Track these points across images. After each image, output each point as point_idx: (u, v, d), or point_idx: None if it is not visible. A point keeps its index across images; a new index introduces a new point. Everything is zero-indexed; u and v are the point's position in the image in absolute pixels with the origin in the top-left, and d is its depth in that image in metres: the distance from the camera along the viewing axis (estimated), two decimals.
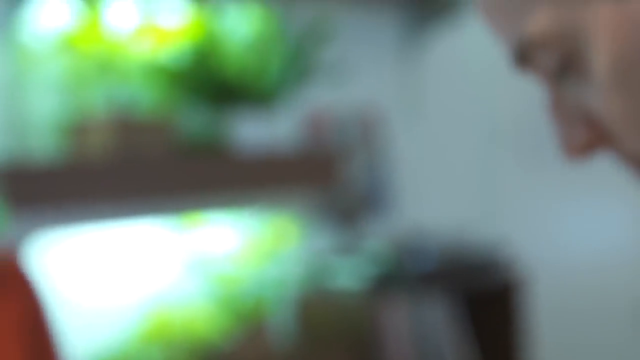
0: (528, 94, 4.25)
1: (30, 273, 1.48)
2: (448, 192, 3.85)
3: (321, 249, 3.37)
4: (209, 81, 2.81)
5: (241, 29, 2.92)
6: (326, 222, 3.37)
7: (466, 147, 3.97)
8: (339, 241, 3.41)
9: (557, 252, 4.15)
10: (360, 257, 3.25)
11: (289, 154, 2.98)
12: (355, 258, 3.25)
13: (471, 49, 3.93)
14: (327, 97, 3.32)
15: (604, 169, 4.60)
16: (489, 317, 3.48)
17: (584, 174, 4.51)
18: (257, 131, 2.91)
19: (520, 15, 0.79)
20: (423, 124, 3.76)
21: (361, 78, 3.42)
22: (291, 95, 2.99)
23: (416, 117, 3.73)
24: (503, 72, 4.11)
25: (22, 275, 1.48)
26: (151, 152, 2.43)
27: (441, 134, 3.84)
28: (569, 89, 0.80)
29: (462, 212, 3.85)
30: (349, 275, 3.17)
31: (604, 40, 0.73)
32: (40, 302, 1.49)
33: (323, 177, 3.03)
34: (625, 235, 4.72)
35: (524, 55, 0.80)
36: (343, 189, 3.17)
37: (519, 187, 4.18)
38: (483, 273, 3.43)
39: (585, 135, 0.80)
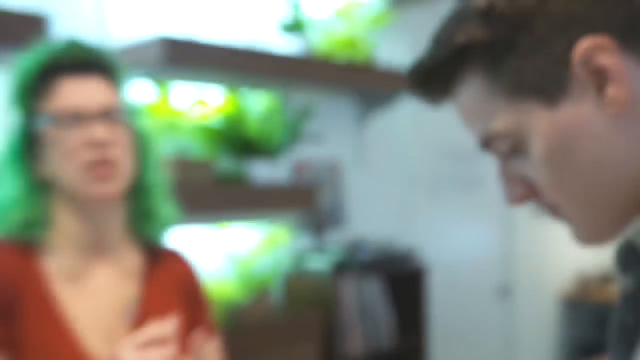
0: (434, 154, 4.26)
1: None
2: (381, 214, 3.86)
3: (302, 247, 3.36)
4: (237, 139, 2.82)
5: (257, 107, 2.93)
6: (305, 230, 3.38)
7: (393, 186, 3.96)
8: (313, 242, 3.41)
9: (446, 251, 4.19)
10: (326, 252, 3.26)
11: (284, 187, 2.98)
12: (323, 253, 3.27)
13: (399, 124, 3.93)
14: (308, 152, 3.33)
15: (475, 202, 4.63)
16: (405, 291, 3.49)
17: (464, 206, 4.52)
18: (265, 172, 2.94)
19: (487, 119, 0.77)
20: (367, 171, 3.76)
21: (330, 141, 3.42)
22: (286, 150, 3.00)
23: (362, 166, 3.74)
24: (419, 140, 4.11)
25: (182, 252, 1.49)
26: (200, 182, 2.45)
27: (378, 177, 3.84)
28: (513, 163, 0.79)
29: (389, 227, 3.83)
30: (318, 263, 3.18)
31: (540, 136, 0.73)
32: (193, 268, 1.48)
33: (304, 202, 3.05)
34: (489, 241, 4.71)
35: (487, 142, 0.79)
36: (316, 210, 3.20)
37: (425, 212, 4.18)
38: (402, 264, 3.45)
39: (521, 191, 0.80)
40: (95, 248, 1.32)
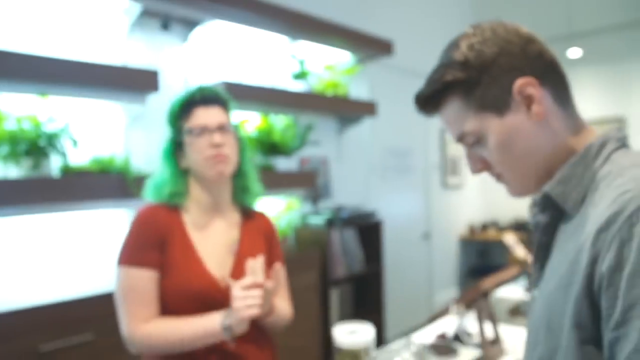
0: (384, 152, 4.24)
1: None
2: (353, 190, 3.82)
3: (306, 210, 3.34)
4: (267, 144, 2.80)
5: (279, 124, 2.93)
6: (308, 200, 3.36)
7: (360, 172, 3.93)
8: (312, 208, 3.38)
9: (392, 212, 4.12)
10: (320, 214, 3.22)
11: (295, 173, 2.95)
12: (319, 214, 3.22)
13: (362, 134, 3.90)
14: (309, 152, 3.32)
15: (408, 182, 4.63)
16: (369, 236, 3.46)
17: (402, 184, 4.48)
18: (284, 164, 2.95)
19: (461, 124, 0.81)
20: (343, 162, 3.74)
21: (322, 145, 3.39)
22: (297, 151, 2.98)
23: (341, 161, 3.71)
24: (374, 144, 4.08)
25: (265, 214, 1.48)
26: None
27: (350, 167, 3.81)
28: (476, 149, 0.82)
29: (359, 197, 3.82)
30: (316, 220, 3.15)
31: (494, 134, 0.79)
32: (271, 222, 1.47)
33: (308, 183, 3.01)
34: (416, 205, 4.69)
35: (461, 137, 0.82)
36: (314, 188, 3.19)
37: (379, 188, 4.14)
38: (367, 219, 3.40)
39: (480, 165, 0.83)
40: (213, 209, 1.34)
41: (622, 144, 0.77)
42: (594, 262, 0.64)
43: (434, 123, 4.92)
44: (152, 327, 1.20)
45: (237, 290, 1.18)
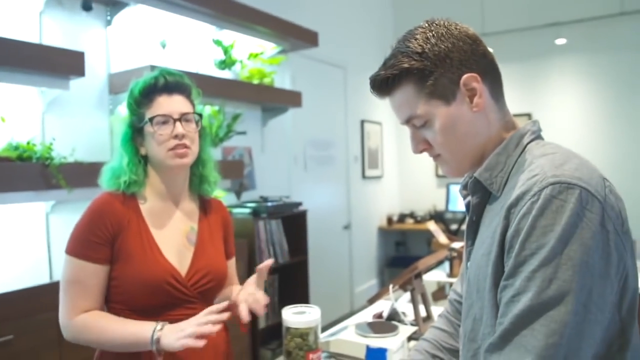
0: (305, 144, 4.31)
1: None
2: (276, 181, 3.87)
3: (231, 201, 3.35)
4: None
5: (205, 113, 2.91)
6: (232, 191, 3.38)
7: (282, 164, 3.99)
8: (237, 197, 3.41)
9: (315, 202, 4.17)
10: (245, 205, 3.25)
11: (222, 163, 2.98)
12: (244, 205, 3.25)
13: (285, 125, 3.95)
14: (233, 142, 3.32)
15: (329, 173, 4.74)
16: (293, 227, 3.52)
17: (323, 175, 4.58)
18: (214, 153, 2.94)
19: (411, 108, 0.90)
20: (266, 153, 3.77)
21: (248, 134, 3.39)
22: (224, 141, 2.99)
23: (264, 150, 3.76)
24: (297, 135, 4.14)
25: (221, 202, 1.49)
26: None
27: (273, 158, 3.86)
28: (422, 131, 0.92)
29: (282, 189, 3.88)
30: (243, 211, 3.18)
31: (440, 119, 0.89)
32: (228, 211, 1.49)
33: (234, 173, 3.05)
34: (338, 197, 4.80)
35: (409, 119, 0.92)
36: (241, 178, 3.23)
37: (302, 179, 4.21)
38: (291, 210, 3.46)
39: (422, 146, 0.94)
40: (171, 198, 1.34)
41: (537, 136, 0.91)
42: (504, 231, 0.80)
43: (355, 115, 5.09)
44: (88, 320, 1.21)
45: (202, 316, 1.17)
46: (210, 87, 2.83)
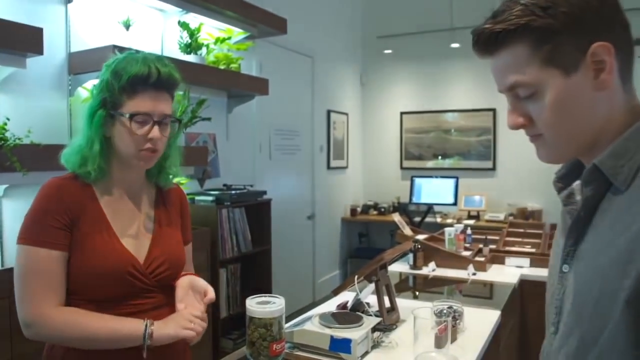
0: (271, 132, 4.30)
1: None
2: (240, 169, 3.86)
3: (194, 188, 3.34)
4: None
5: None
6: (195, 178, 3.35)
7: (247, 152, 3.98)
8: (200, 185, 3.38)
9: (280, 192, 4.14)
10: (209, 192, 3.25)
11: (186, 149, 2.95)
12: (207, 193, 3.25)
13: (250, 113, 3.93)
14: (197, 128, 3.23)
15: (295, 163, 4.75)
16: (257, 216, 3.52)
17: (288, 164, 4.59)
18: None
19: (520, 73, 0.76)
20: (231, 141, 3.75)
21: (213, 121, 3.31)
22: (188, 126, 2.93)
23: (229, 138, 3.73)
24: (262, 123, 4.12)
25: (179, 186, 1.46)
26: None
27: (237, 146, 3.84)
28: (525, 103, 0.77)
29: (246, 177, 3.86)
30: (206, 199, 3.18)
31: (554, 91, 0.74)
32: (185, 196, 1.46)
33: (198, 160, 3.03)
34: (302, 187, 4.82)
35: (512, 87, 0.77)
36: (205, 165, 3.20)
37: (267, 168, 4.20)
38: (255, 199, 3.48)
39: (522, 121, 0.78)
40: (128, 185, 1.30)
41: None
42: None
43: (321, 105, 5.09)
44: (68, 316, 1.16)
45: (197, 311, 1.24)
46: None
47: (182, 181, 3.06)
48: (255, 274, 3.55)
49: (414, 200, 5.35)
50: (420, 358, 1.44)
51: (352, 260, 5.71)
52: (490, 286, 2.42)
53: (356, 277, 1.62)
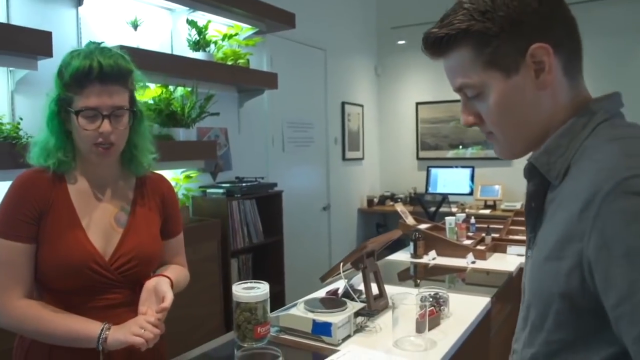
0: (282, 125, 4.35)
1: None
2: (253, 162, 3.92)
3: (206, 182, 3.42)
4: (165, 114, 2.83)
5: (179, 93, 2.98)
6: (208, 172, 3.44)
7: (259, 145, 4.03)
8: (213, 178, 3.48)
9: (292, 183, 4.24)
10: (220, 185, 3.32)
11: (196, 143, 3.03)
12: (219, 185, 3.32)
13: (262, 106, 4.00)
14: (209, 123, 3.32)
15: (308, 155, 4.83)
16: (268, 208, 3.59)
17: (301, 157, 4.64)
18: (184, 135, 3.02)
19: (465, 75, 0.80)
20: (243, 134, 3.82)
21: (222, 115, 3.39)
22: (197, 121, 3.00)
23: (241, 132, 3.80)
24: (274, 117, 4.18)
25: (162, 176, 1.47)
26: None
27: (249, 139, 3.91)
28: (474, 103, 0.83)
29: (258, 169, 3.92)
30: (217, 191, 3.26)
31: (496, 93, 0.79)
32: (170, 185, 1.49)
33: (208, 154, 3.09)
34: (317, 178, 4.88)
35: (461, 88, 0.82)
36: (215, 158, 3.29)
37: (279, 160, 4.26)
38: (266, 190, 3.54)
39: (473, 119, 0.84)
40: (100, 179, 1.31)
41: (613, 114, 0.78)
42: (580, 239, 0.67)
43: (335, 97, 5.15)
44: (29, 310, 1.20)
45: (151, 317, 1.22)
46: (183, 68, 2.87)
47: (192, 174, 3.19)
48: (268, 264, 3.64)
49: (430, 190, 5.38)
50: (398, 342, 1.52)
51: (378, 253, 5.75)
52: (486, 274, 2.46)
53: (341, 264, 1.71)
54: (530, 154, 0.84)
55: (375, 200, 5.79)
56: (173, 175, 3.09)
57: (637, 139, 0.72)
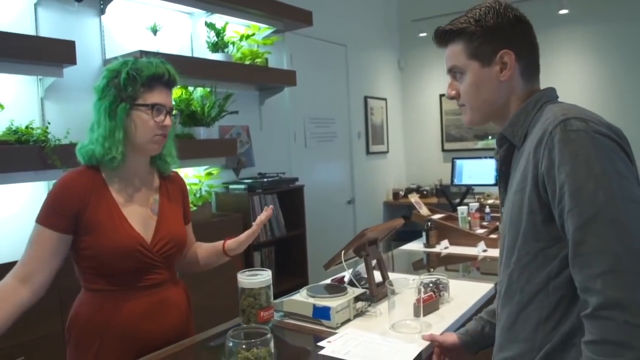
0: (304, 121, 4.43)
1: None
2: (275, 158, 4.02)
3: (229, 178, 3.53)
4: (186, 114, 2.96)
5: (198, 92, 3.12)
6: (230, 168, 3.55)
7: (281, 141, 4.13)
8: (235, 174, 3.58)
9: (314, 178, 4.32)
10: (242, 181, 3.41)
11: (217, 141, 3.14)
12: (241, 181, 3.42)
13: (283, 103, 4.08)
14: (230, 121, 3.45)
15: (331, 150, 4.90)
16: (291, 202, 3.68)
17: (324, 152, 4.72)
18: (205, 133, 3.13)
19: (455, 60, 1.13)
20: (264, 131, 3.92)
21: (243, 113, 3.52)
22: (217, 120, 3.13)
23: (262, 129, 3.90)
24: (295, 113, 4.27)
25: (177, 173, 1.68)
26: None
27: (271, 136, 4.00)
28: (458, 80, 1.15)
29: (280, 165, 4.01)
30: (239, 187, 3.35)
31: (472, 75, 1.12)
32: (184, 181, 1.71)
33: (229, 151, 3.21)
34: (340, 172, 4.94)
35: (451, 69, 1.15)
36: (236, 155, 3.42)
37: (301, 156, 4.34)
38: (288, 185, 3.63)
39: (454, 93, 1.17)
40: (135, 173, 1.50)
41: (551, 98, 1.09)
42: (536, 167, 0.97)
43: (358, 92, 5.22)
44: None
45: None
46: (202, 69, 2.99)
47: (214, 171, 3.32)
48: (291, 256, 3.74)
49: (456, 182, 5.37)
50: (395, 325, 1.60)
51: (394, 242, 5.80)
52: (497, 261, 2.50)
53: (342, 252, 1.80)
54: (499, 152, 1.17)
55: (401, 193, 5.83)
56: (195, 173, 3.23)
57: (569, 104, 1.03)
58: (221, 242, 1.69)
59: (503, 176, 1.15)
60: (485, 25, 1.09)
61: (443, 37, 1.15)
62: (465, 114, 1.17)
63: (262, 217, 1.65)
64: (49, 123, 2.34)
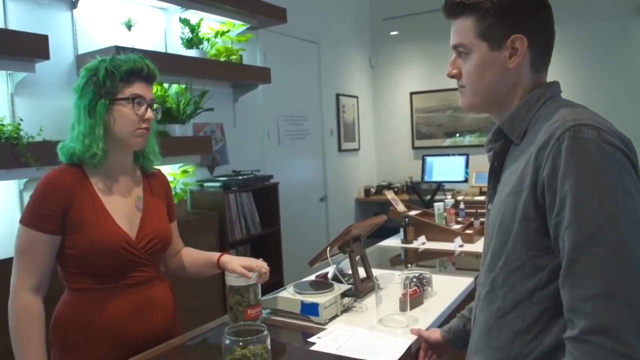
0: (278, 118, 4.42)
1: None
2: (249, 156, 4.00)
3: (203, 176, 3.50)
4: (165, 111, 2.93)
5: (173, 91, 3.07)
6: (204, 166, 3.52)
7: (255, 139, 4.12)
8: (210, 172, 3.56)
9: (288, 176, 4.31)
10: (217, 179, 3.38)
11: (192, 139, 3.11)
12: (215, 179, 3.39)
13: (256, 100, 4.07)
14: (205, 118, 3.39)
15: (304, 147, 4.89)
16: (265, 200, 3.67)
17: (297, 149, 4.70)
18: (180, 130, 3.09)
19: (463, 37, 1.04)
20: (238, 129, 3.90)
21: (217, 110, 3.47)
22: (192, 117, 3.09)
23: (236, 126, 3.87)
24: (269, 110, 4.26)
25: (160, 171, 1.68)
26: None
27: (245, 133, 3.98)
28: (461, 60, 1.06)
29: (254, 163, 4.01)
30: (214, 184, 3.33)
31: (478, 57, 1.02)
32: (166, 179, 1.70)
33: (203, 148, 3.17)
34: (313, 170, 4.95)
35: (457, 46, 1.05)
36: (211, 153, 3.37)
37: (275, 153, 4.33)
38: (262, 182, 3.61)
39: (455, 72, 1.08)
40: (119, 170, 1.49)
41: (555, 94, 1.03)
42: (536, 172, 0.90)
43: (330, 89, 5.23)
44: (23, 320, 1.35)
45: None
46: (177, 66, 2.95)
47: (189, 169, 3.28)
48: (266, 254, 3.69)
49: (426, 178, 5.46)
50: (382, 320, 1.62)
51: (368, 239, 5.84)
52: (475, 257, 2.55)
53: (328, 249, 1.80)
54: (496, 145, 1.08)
55: (372, 190, 5.88)
56: (170, 171, 3.18)
57: (578, 106, 0.96)
58: (215, 254, 1.67)
59: (494, 172, 1.08)
60: (501, 4, 0.98)
61: (454, 9, 1.05)
62: (464, 97, 1.09)
63: (261, 270, 1.62)
64: (21, 120, 2.27)
